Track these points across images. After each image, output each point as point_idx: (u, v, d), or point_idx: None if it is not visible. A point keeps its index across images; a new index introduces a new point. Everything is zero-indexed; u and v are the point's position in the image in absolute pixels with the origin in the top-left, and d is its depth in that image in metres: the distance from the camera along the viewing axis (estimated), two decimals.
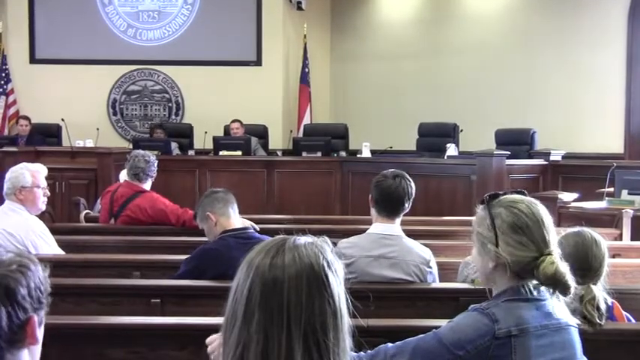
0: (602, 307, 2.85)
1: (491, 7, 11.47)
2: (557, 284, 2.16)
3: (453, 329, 2.20)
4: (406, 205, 3.81)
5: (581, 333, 2.29)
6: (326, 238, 1.63)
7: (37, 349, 1.65)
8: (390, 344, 2.24)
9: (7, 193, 4.61)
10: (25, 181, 4.61)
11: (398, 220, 3.84)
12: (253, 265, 1.54)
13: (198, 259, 4.03)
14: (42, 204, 4.73)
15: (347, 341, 1.55)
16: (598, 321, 2.82)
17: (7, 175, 4.64)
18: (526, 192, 2.33)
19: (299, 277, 1.51)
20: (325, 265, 1.54)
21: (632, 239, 5.82)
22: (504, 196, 2.28)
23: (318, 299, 1.51)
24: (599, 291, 2.89)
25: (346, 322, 1.55)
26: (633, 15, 10.11)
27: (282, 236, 1.60)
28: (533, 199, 2.28)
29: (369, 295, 2.84)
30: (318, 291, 1.51)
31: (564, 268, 2.16)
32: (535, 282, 2.20)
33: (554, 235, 2.23)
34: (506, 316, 2.16)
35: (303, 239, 1.59)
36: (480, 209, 2.29)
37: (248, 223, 5.04)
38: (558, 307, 2.24)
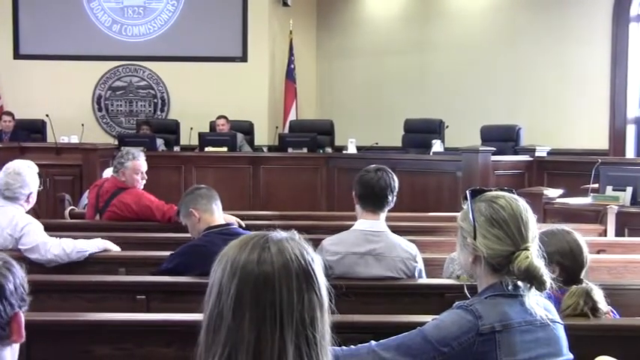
0: (598, 297, 2.96)
1: (476, 3, 11.50)
2: (531, 279, 2.18)
3: (437, 326, 2.21)
4: (390, 198, 3.81)
5: (567, 329, 2.30)
6: (295, 231, 1.62)
7: (17, 347, 1.65)
8: (373, 342, 2.25)
9: (16, 197, 4.56)
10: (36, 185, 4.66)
11: (383, 216, 3.85)
12: (238, 265, 1.52)
13: (182, 256, 4.01)
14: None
15: (329, 333, 1.56)
16: (601, 307, 2.94)
17: (23, 179, 4.58)
18: (514, 190, 2.35)
19: (289, 272, 1.50)
20: (309, 258, 1.54)
21: (617, 235, 5.86)
22: (488, 193, 2.31)
23: (307, 293, 1.51)
24: (589, 283, 2.99)
25: (328, 314, 1.56)
26: (617, 13, 10.16)
27: (260, 232, 1.59)
28: (515, 196, 2.30)
29: (349, 291, 2.84)
30: (308, 285, 1.51)
31: (539, 263, 2.18)
32: (516, 280, 2.22)
33: (533, 231, 2.25)
34: (490, 312, 2.18)
35: (281, 234, 1.57)
36: (464, 204, 2.32)
37: (233, 219, 5.04)
38: (543, 303, 2.25)
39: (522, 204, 2.28)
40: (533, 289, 2.21)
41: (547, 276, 2.18)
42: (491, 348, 2.15)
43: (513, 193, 2.33)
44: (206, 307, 1.55)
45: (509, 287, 2.22)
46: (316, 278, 1.53)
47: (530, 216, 2.26)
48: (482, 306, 2.20)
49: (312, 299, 1.51)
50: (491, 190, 2.33)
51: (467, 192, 2.31)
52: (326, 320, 1.54)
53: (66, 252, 4.32)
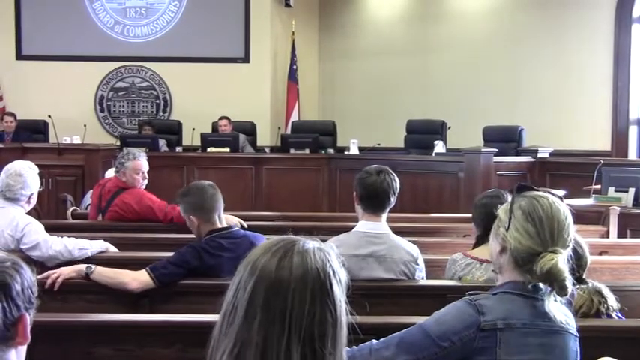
0: (609, 295, 3.02)
1: (478, 4, 11.49)
2: (552, 282, 2.14)
3: (438, 321, 2.21)
4: (392, 199, 3.80)
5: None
6: (333, 245, 1.62)
7: (23, 349, 1.65)
8: (374, 341, 2.25)
9: (18, 198, 4.55)
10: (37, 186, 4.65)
11: (384, 217, 3.84)
12: (259, 265, 1.52)
13: (197, 260, 3.93)
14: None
15: (344, 352, 1.55)
16: (612, 304, 2.99)
17: (24, 180, 4.57)
18: (561, 197, 2.35)
19: (304, 282, 1.49)
20: (331, 273, 1.53)
21: (619, 236, 5.86)
22: (535, 191, 2.30)
23: (320, 307, 1.50)
24: (594, 282, 3.04)
25: (345, 332, 1.55)
26: (620, 13, 10.15)
27: (290, 237, 1.58)
28: (559, 200, 2.28)
29: (361, 299, 2.84)
30: (321, 299, 1.50)
31: (563, 267, 2.14)
32: (537, 282, 2.20)
33: (567, 238, 2.21)
34: (495, 309, 2.17)
35: (311, 243, 1.56)
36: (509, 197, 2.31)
37: (236, 220, 5.03)
38: (559, 310, 2.21)
39: (564, 209, 2.25)
40: (553, 294, 2.18)
41: (569, 282, 2.14)
42: (492, 345, 2.14)
43: (561, 198, 2.32)
44: (225, 301, 1.56)
45: (529, 287, 2.19)
46: (332, 295, 1.52)
47: (569, 223, 2.23)
48: (489, 302, 2.19)
49: (324, 315, 1.50)
50: (539, 190, 2.32)
51: (514, 186, 2.32)
52: (339, 338, 1.53)
53: (68, 248, 4.30)
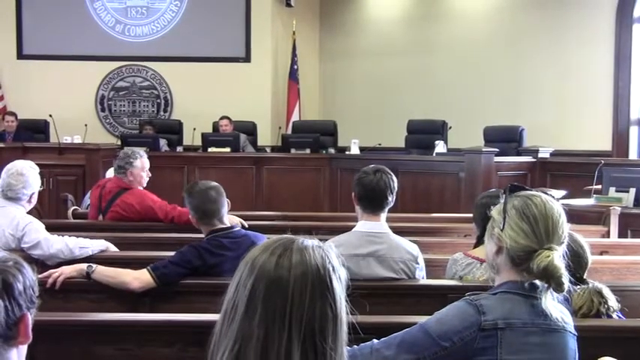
0: (609, 296, 3.01)
1: (479, 4, 11.49)
2: (549, 278, 2.15)
3: (439, 321, 2.21)
4: (390, 199, 3.81)
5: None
6: (332, 244, 1.63)
7: (24, 349, 1.65)
8: (375, 340, 2.25)
9: (19, 198, 4.56)
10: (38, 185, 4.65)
11: (384, 216, 3.84)
12: (258, 263, 1.54)
13: (198, 259, 3.93)
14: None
15: (344, 348, 1.56)
16: (613, 305, 2.98)
17: (26, 179, 4.57)
18: (554, 196, 2.35)
19: (304, 278, 1.51)
20: (331, 269, 1.55)
21: (620, 236, 5.85)
22: (527, 190, 2.31)
23: (320, 302, 1.51)
24: (595, 282, 3.04)
25: (345, 329, 1.56)
26: (621, 13, 10.15)
27: (288, 236, 1.60)
28: (552, 199, 2.29)
29: (361, 299, 2.84)
30: (321, 294, 1.52)
31: (559, 264, 2.15)
32: (534, 279, 2.20)
33: (562, 235, 2.22)
34: (495, 309, 2.17)
35: (310, 241, 1.58)
36: (503, 198, 2.32)
37: (237, 220, 5.03)
38: (557, 308, 2.22)
39: (557, 207, 2.26)
40: (550, 292, 2.19)
41: (566, 278, 2.15)
42: (493, 344, 2.14)
43: (554, 198, 2.33)
44: (225, 300, 1.57)
45: (526, 286, 2.20)
46: (332, 290, 1.54)
47: (562, 220, 2.24)
48: (489, 302, 2.19)
49: (324, 310, 1.52)
50: (531, 190, 2.33)
51: (507, 186, 2.32)
52: (339, 334, 1.54)
53: (68, 247, 4.30)
